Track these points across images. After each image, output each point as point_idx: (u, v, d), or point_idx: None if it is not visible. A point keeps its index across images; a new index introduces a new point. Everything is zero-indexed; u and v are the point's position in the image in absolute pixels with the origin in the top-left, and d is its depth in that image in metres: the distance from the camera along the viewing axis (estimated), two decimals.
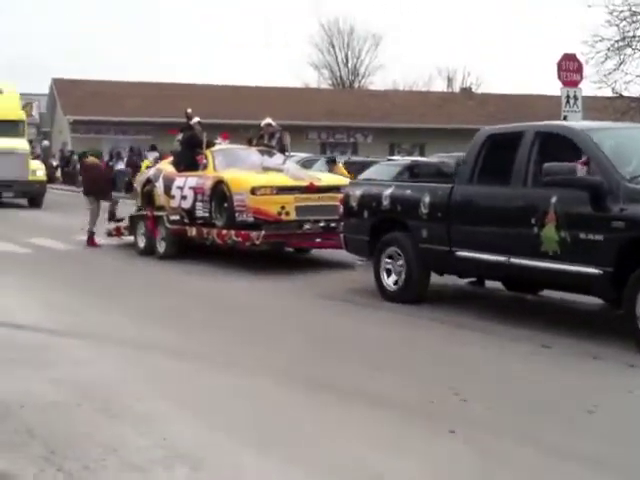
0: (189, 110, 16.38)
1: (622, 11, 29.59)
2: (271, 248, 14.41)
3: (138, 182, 17.29)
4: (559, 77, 20.73)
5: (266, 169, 15.06)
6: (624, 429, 6.50)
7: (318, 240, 14.27)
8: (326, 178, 15.27)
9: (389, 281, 11.67)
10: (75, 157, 40.57)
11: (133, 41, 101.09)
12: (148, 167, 17.90)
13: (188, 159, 15.79)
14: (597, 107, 28.62)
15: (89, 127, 46.27)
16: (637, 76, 30.16)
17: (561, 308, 11.23)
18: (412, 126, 45.38)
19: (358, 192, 12.29)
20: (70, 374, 7.77)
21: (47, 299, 11.80)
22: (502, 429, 6.38)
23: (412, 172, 28.95)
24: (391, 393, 7.34)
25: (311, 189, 14.32)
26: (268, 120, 16.73)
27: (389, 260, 11.60)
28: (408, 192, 11.60)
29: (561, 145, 10.31)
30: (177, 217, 15.56)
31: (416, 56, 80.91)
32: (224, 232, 14.32)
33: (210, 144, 15.90)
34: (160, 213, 15.88)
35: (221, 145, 16.23)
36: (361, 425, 6.48)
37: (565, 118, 20.24)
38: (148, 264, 15.44)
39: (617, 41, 29.90)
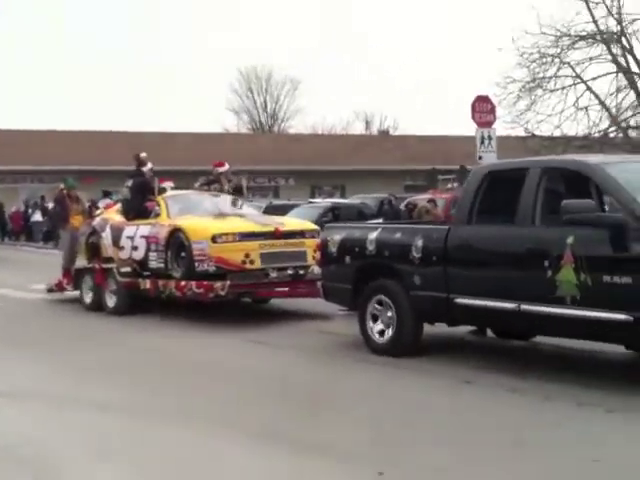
0: (143, 154, 14.88)
1: (532, 53, 30.17)
2: (234, 299, 13.01)
3: (81, 233, 15.72)
4: (473, 118, 20.93)
5: (223, 215, 13.71)
6: None
7: (287, 289, 12.92)
8: (290, 223, 13.97)
9: (376, 332, 10.45)
10: None
11: (48, 87, 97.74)
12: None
13: (139, 206, 14.32)
14: (511, 146, 28.80)
15: (4, 176, 44.16)
16: (548, 115, 30.69)
17: (563, 356, 10.15)
18: (332, 168, 44.52)
19: (338, 237, 11.01)
20: None
21: None
22: None
23: (334, 214, 28.25)
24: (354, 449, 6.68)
25: (276, 235, 12.97)
26: (227, 166, 15.42)
27: (378, 307, 10.40)
28: (397, 235, 10.36)
29: (572, 181, 9.28)
30: (128, 269, 14.07)
31: (334, 100, 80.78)
32: (183, 284, 12.85)
33: (162, 190, 14.50)
34: (109, 265, 14.37)
35: (172, 191, 14.84)
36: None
37: (480, 158, 20.05)
38: (95, 319, 13.91)
39: (528, 82, 30.45)
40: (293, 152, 45.50)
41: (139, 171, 14.76)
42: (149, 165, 14.76)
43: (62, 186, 16.63)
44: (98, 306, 14.44)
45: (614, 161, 9.42)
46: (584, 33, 30.04)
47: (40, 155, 43.76)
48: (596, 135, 30.63)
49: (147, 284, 13.55)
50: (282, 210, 22.45)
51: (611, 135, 31.20)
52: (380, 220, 20.75)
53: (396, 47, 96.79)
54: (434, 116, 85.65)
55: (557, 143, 30.60)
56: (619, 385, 8.39)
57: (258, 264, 12.74)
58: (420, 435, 7.09)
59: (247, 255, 12.64)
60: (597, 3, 29.50)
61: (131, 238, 14.01)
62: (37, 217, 39.01)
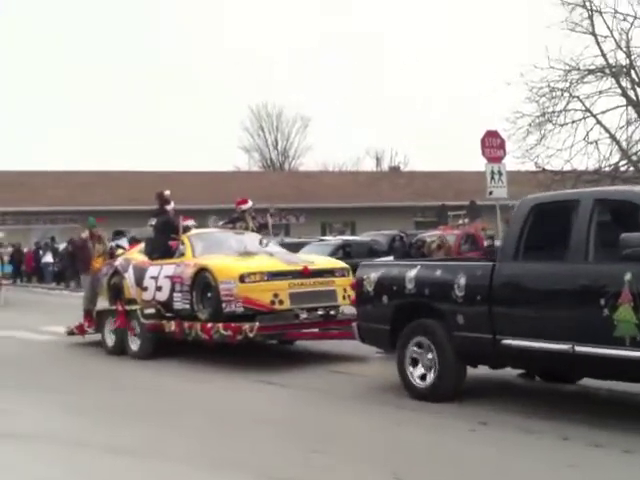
0: (167, 192, 14.26)
1: (541, 88, 29.69)
2: (263, 341, 12.30)
3: (103, 274, 15.05)
4: (483, 153, 20.53)
5: (250, 253, 13.07)
6: None
7: (318, 330, 12.22)
8: (319, 261, 13.26)
9: (417, 375, 9.77)
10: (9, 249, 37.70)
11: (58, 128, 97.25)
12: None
13: (163, 246, 13.65)
14: (521, 181, 28.32)
15: (17, 218, 43.62)
16: (558, 150, 30.07)
17: (618, 401, 9.47)
18: (343, 205, 43.99)
19: (374, 275, 10.35)
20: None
21: None
22: None
23: (345, 251, 27.63)
24: None
25: (305, 273, 12.28)
26: (250, 203, 14.82)
27: (418, 349, 9.74)
28: (438, 273, 9.71)
29: (624, 213, 8.62)
30: (153, 311, 13.38)
31: (344, 137, 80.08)
32: (209, 325, 12.13)
33: (186, 229, 13.87)
34: (133, 307, 13.66)
35: (196, 229, 14.20)
36: None
37: (491, 193, 19.51)
38: (117, 363, 13.22)
39: (537, 117, 29.91)
40: (304, 189, 44.92)
41: (163, 209, 14.12)
42: (172, 204, 14.15)
43: (84, 232, 16.04)
44: (121, 349, 13.73)
45: None
46: (593, 67, 29.55)
47: (52, 196, 43.28)
48: (607, 169, 30.03)
49: (172, 326, 12.82)
50: (293, 248, 21.75)
51: (622, 169, 30.56)
52: (391, 258, 20.08)
53: (407, 85, 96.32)
54: (444, 152, 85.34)
55: (567, 177, 30.11)
56: None
57: (287, 304, 12.05)
58: None
59: (276, 295, 11.95)
60: (605, 37, 29.08)
61: (155, 278, 13.35)
62: (48, 258, 38.33)
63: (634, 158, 30.40)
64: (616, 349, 7.83)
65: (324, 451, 7.60)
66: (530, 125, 30.06)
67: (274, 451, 7.69)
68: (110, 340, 14.07)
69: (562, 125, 30.18)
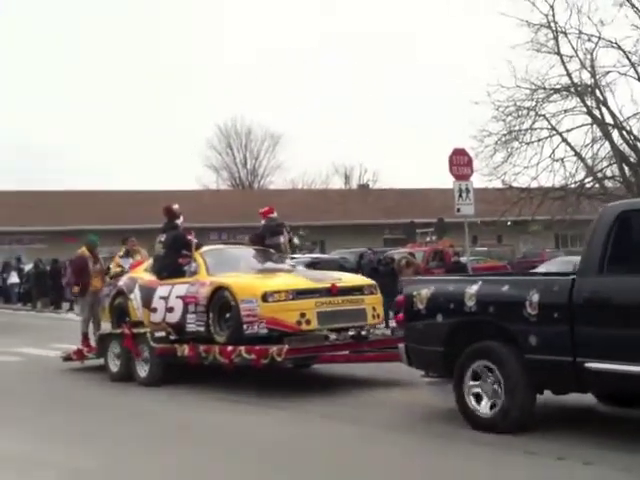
0: (176, 206, 12.49)
1: (508, 107, 28.91)
2: (293, 365, 10.67)
3: (104, 295, 13.32)
4: (451, 171, 19.37)
5: (269, 270, 11.47)
6: None
7: (355, 354, 10.61)
8: (347, 278, 11.63)
9: (479, 404, 8.30)
10: None
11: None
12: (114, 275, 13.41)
13: (173, 264, 11.89)
14: (488, 199, 27.42)
15: None
16: (525, 167, 29.36)
17: None
18: (312, 223, 42.23)
19: (426, 291, 8.83)
20: None
21: None
22: None
23: (314, 269, 26.22)
24: None
25: (333, 291, 10.66)
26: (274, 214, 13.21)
27: (480, 374, 8.28)
28: (505, 289, 8.28)
29: None
30: (163, 334, 11.61)
31: (313, 154, 77.59)
32: (230, 349, 10.42)
33: (199, 246, 12.19)
34: (141, 330, 11.89)
35: (208, 246, 12.56)
36: None
37: (458, 211, 18.68)
38: (123, 390, 11.48)
39: (504, 135, 29.10)
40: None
41: (172, 224, 12.33)
42: (182, 218, 12.48)
43: (80, 250, 14.29)
44: (126, 376, 11.95)
45: None
46: (559, 86, 28.77)
47: (18, 216, 41.06)
48: (572, 186, 29.20)
49: (186, 350, 11.05)
50: None
51: (587, 186, 29.75)
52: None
53: (375, 102, 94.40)
54: (414, 169, 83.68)
55: (534, 194, 29.21)
56: None
57: (314, 325, 10.41)
58: None
59: (302, 315, 10.32)
60: (571, 57, 28.30)
61: (165, 299, 11.60)
62: (14, 279, 36.13)
63: (599, 175, 29.60)
64: None
65: None
66: (497, 143, 29.25)
67: None
68: (114, 366, 12.24)
69: (528, 143, 29.34)
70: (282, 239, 12.61)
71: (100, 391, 11.72)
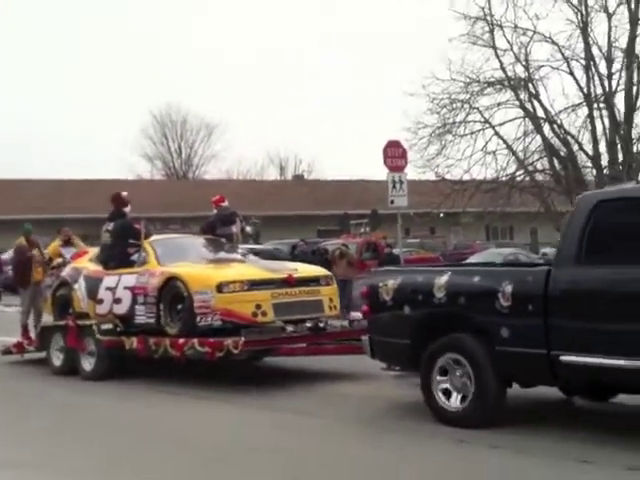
0: (125, 194, 11.81)
1: (442, 99, 28.80)
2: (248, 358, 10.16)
3: (46, 285, 12.55)
4: (385, 162, 19.07)
5: (222, 260, 10.91)
6: None
7: (314, 346, 10.11)
8: (303, 268, 11.03)
9: (447, 397, 7.89)
10: None
11: None
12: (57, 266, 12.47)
13: (121, 253, 11.20)
14: (422, 190, 27.36)
15: None
16: (458, 160, 29.44)
17: None
18: (247, 214, 41.53)
19: (392, 281, 8.38)
20: None
21: None
22: None
23: None
24: None
25: (289, 282, 10.17)
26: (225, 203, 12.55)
27: (448, 367, 7.89)
28: (475, 280, 7.91)
29: None
30: (110, 326, 10.97)
31: (248, 145, 76.11)
32: (181, 341, 9.81)
33: (148, 235, 11.54)
34: (87, 322, 11.19)
35: (157, 235, 11.91)
36: None
37: (392, 202, 18.51)
38: (65, 385, 10.87)
39: (438, 127, 28.98)
40: (207, 198, 42.29)
41: (120, 212, 11.64)
42: (129, 207, 11.79)
43: (18, 240, 13.45)
44: (70, 369, 11.25)
45: None
46: (493, 79, 28.81)
47: None
48: (504, 179, 29.27)
49: (134, 343, 10.40)
50: None
51: (518, 179, 29.88)
52: None
53: (307, 90, 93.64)
54: (349, 161, 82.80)
55: (467, 186, 29.21)
56: None
57: (271, 316, 9.89)
58: None
59: (258, 306, 9.79)
60: (505, 50, 28.42)
61: (112, 290, 10.93)
62: None
63: (530, 168, 29.74)
64: None
65: None
66: (431, 135, 29.23)
67: None
68: (57, 359, 11.49)
69: (462, 136, 29.39)
70: (234, 228, 12.05)
71: (41, 384, 11.06)
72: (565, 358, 7.09)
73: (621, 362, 6.77)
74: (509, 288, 7.43)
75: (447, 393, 7.87)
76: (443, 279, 7.94)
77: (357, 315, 10.06)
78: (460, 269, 8.56)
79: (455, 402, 7.80)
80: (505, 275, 7.72)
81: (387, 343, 8.47)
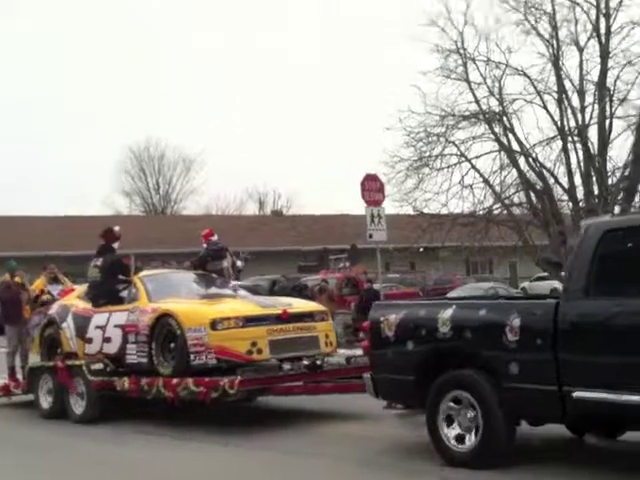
0: (117, 228, 11.54)
1: (418, 133, 28.57)
2: (245, 398, 9.78)
3: (33, 325, 12.16)
4: (363, 196, 19.12)
5: (214, 296, 10.59)
6: None
7: (312, 384, 9.67)
8: (297, 303, 10.78)
9: (453, 437, 7.56)
10: None
11: None
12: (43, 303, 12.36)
13: (111, 290, 10.87)
14: (399, 224, 27.20)
15: None
16: (435, 193, 28.93)
17: None
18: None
19: (395, 316, 8.13)
20: None
21: None
22: None
23: None
24: None
25: (284, 318, 9.86)
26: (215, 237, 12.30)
27: (454, 405, 7.65)
28: (482, 313, 7.69)
29: None
30: (101, 366, 10.58)
31: (227, 180, 75.41)
32: (175, 381, 9.46)
33: (137, 269, 11.24)
34: (77, 362, 10.80)
35: (147, 271, 11.57)
36: None
37: (371, 236, 18.41)
38: (55, 429, 10.46)
39: (415, 161, 28.73)
40: (186, 234, 41.91)
41: (110, 247, 11.34)
42: (118, 242, 11.45)
43: (3, 277, 13.05)
44: (60, 413, 10.83)
45: None
46: (467, 113, 28.73)
47: None
48: (481, 212, 29.14)
49: (126, 383, 10.03)
50: None
51: (495, 212, 29.74)
52: None
53: (284, 127, 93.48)
54: (327, 196, 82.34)
55: (444, 220, 29.06)
56: None
57: (266, 354, 9.58)
58: None
59: (254, 344, 9.50)
60: (479, 84, 28.24)
61: (102, 328, 10.56)
62: None
63: (507, 202, 29.65)
64: None
65: None
66: (408, 169, 28.94)
67: None
68: (46, 402, 11.07)
69: (438, 169, 28.99)
70: (225, 263, 11.78)
71: (29, 429, 10.63)
72: (579, 395, 6.85)
73: (635, 398, 6.56)
74: (517, 322, 7.20)
75: (454, 432, 7.60)
76: (448, 313, 7.70)
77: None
78: (465, 302, 8.33)
79: (462, 442, 7.52)
80: (513, 308, 7.50)
81: (390, 380, 8.18)
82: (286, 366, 9.62)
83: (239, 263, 12.52)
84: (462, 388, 7.54)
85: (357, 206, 21.64)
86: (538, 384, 7.06)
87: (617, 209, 26.42)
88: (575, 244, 7.43)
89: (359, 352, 9.70)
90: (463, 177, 28.86)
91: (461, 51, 27.98)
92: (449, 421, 7.62)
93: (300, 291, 23.42)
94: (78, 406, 10.66)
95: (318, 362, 9.72)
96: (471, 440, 7.44)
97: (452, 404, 7.59)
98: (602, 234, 7.15)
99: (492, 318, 7.46)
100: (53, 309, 11.71)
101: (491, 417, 7.30)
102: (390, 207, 26.75)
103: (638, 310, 6.67)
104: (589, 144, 27.37)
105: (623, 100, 26.64)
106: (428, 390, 7.73)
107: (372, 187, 19.96)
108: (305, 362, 9.73)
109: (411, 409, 8.21)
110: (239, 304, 10.17)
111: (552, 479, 6.82)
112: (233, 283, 11.45)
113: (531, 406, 7.28)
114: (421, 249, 31.47)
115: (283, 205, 65.17)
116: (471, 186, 28.98)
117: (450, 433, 7.59)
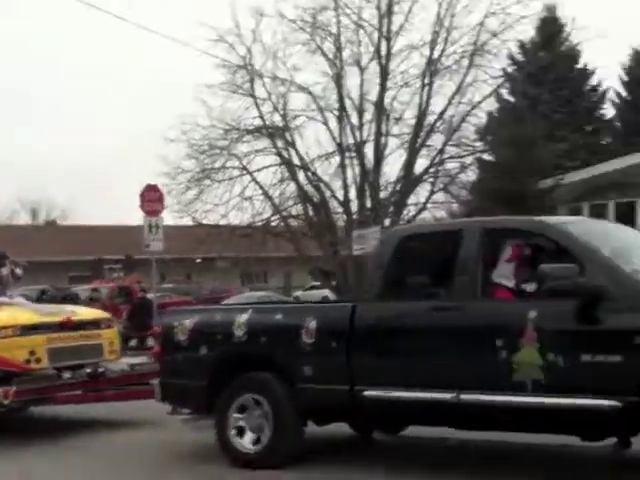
0: None
1: (202, 145, 28.61)
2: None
3: None
4: (142, 207, 19.11)
5: None
6: None
7: (93, 393, 9.21)
8: (82, 312, 10.16)
9: (243, 439, 7.46)
10: None
11: None
12: None
13: None
14: (178, 235, 27.09)
15: None
16: (215, 205, 29.23)
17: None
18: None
19: (188, 321, 7.85)
20: None
21: None
22: None
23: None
24: None
25: (67, 326, 9.30)
26: None
27: (246, 407, 7.47)
28: (278, 317, 7.54)
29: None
30: None
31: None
32: None
33: None
34: None
35: None
36: None
37: (148, 246, 18.36)
38: None
39: (197, 173, 28.74)
40: None
41: None
42: None
43: None
44: None
45: (571, 221, 7.52)
46: (252, 127, 28.99)
47: None
48: (259, 224, 29.43)
49: None
50: None
51: (273, 224, 30.14)
52: None
53: (66, 131, 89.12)
54: (106, 206, 78.87)
55: (222, 231, 29.05)
56: None
57: (45, 363, 8.95)
58: None
59: (32, 352, 8.87)
60: (264, 99, 28.65)
61: None
62: None
63: (285, 214, 30.06)
64: (516, 395, 6.27)
65: None
66: (189, 181, 28.83)
67: None
68: None
69: (220, 181, 29.18)
70: (4, 271, 10.99)
71: None
72: (369, 393, 6.91)
73: (428, 395, 6.68)
74: (313, 324, 7.18)
75: (242, 434, 7.42)
76: (243, 317, 7.55)
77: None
78: (263, 307, 8.20)
79: (251, 443, 7.38)
80: (309, 312, 7.46)
81: (181, 385, 7.89)
82: (66, 374, 9.05)
83: (18, 271, 11.69)
84: (255, 390, 7.43)
85: (137, 217, 21.22)
86: (330, 384, 7.07)
87: (387, 221, 27.54)
88: (374, 249, 7.50)
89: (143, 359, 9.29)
90: (244, 189, 29.13)
91: (248, 67, 28.18)
92: (240, 423, 7.45)
93: (72, 301, 22.79)
94: None
95: (100, 370, 9.21)
96: (261, 440, 7.32)
97: (244, 406, 7.45)
98: (397, 241, 7.26)
99: (288, 321, 7.39)
100: None
101: (283, 417, 7.26)
102: (169, 218, 26.45)
103: (417, 312, 6.85)
104: (365, 160, 28.36)
105: (399, 119, 27.89)
106: (220, 395, 7.52)
107: (152, 197, 19.67)
108: (87, 370, 9.18)
109: (197, 414, 7.91)
110: (17, 312, 9.47)
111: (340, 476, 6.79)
112: (9, 293, 10.62)
113: (324, 406, 7.28)
114: (198, 260, 31.25)
115: (57, 216, 62.85)
116: (251, 198, 29.29)
117: (240, 435, 7.44)
